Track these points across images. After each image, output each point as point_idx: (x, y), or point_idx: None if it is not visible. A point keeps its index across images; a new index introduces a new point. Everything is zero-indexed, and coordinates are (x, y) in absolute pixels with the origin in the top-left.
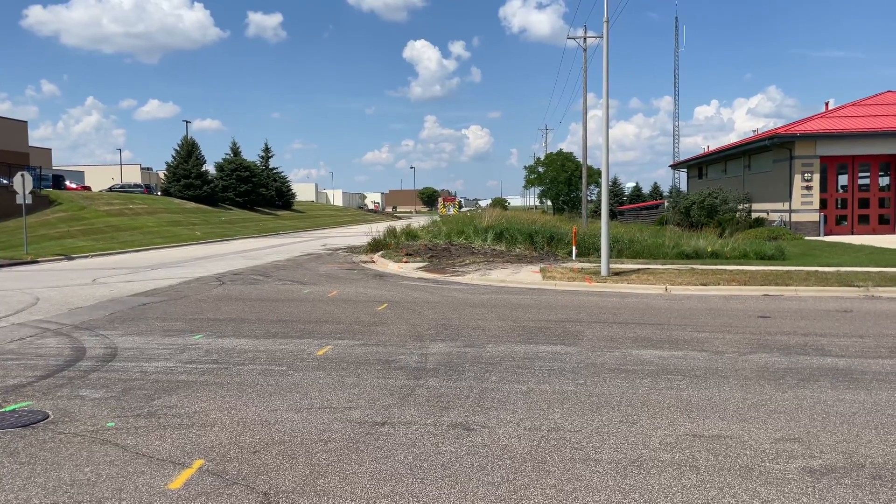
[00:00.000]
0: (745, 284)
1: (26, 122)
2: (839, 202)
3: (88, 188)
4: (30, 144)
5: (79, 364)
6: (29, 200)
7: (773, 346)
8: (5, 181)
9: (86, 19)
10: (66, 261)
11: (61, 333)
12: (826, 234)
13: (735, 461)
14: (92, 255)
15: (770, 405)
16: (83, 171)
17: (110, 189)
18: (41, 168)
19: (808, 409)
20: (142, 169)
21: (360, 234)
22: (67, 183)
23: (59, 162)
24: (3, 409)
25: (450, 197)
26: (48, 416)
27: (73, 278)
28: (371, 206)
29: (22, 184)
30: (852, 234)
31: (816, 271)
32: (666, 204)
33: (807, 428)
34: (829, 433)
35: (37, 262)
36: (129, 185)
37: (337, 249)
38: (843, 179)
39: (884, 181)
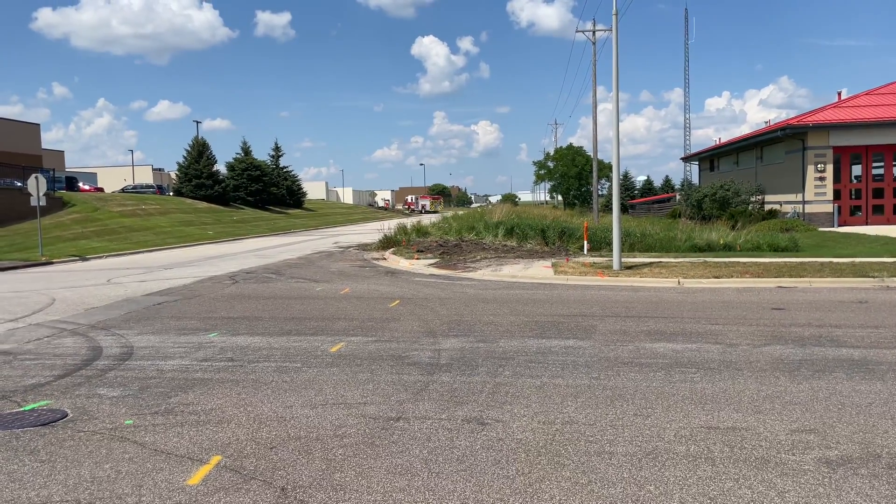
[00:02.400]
0: (759, 276)
1: (39, 124)
2: (853, 193)
3: (101, 189)
4: (43, 147)
5: (96, 363)
6: (43, 202)
7: (787, 337)
8: (19, 183)
9: (95, 21)
10: (81, 261)
11: (78, 333)
12: (840, 225)
13: (751, 453)
14: (106, 256)
15: (785, 397)
16: (96, 173)
17: (123, 190)
18: (54, 170)
19: (824, 400)
20: (153, 170)
21: (370, 231)
22: (80, 184)
23: (72, 164)
24: (22, 409)
25: (431, 195)
26: (67, 415)
27: (87, 279)
28: (381, 204)
29: (36, 186)
30: (867, 224)
31: (831, 262)
32: (678, 197)
33: (822, 419)
34: (845, 424)
35: (52, 263)
36: (142, 186)
37: (348, 247)
38: (857, 170)
39: None
